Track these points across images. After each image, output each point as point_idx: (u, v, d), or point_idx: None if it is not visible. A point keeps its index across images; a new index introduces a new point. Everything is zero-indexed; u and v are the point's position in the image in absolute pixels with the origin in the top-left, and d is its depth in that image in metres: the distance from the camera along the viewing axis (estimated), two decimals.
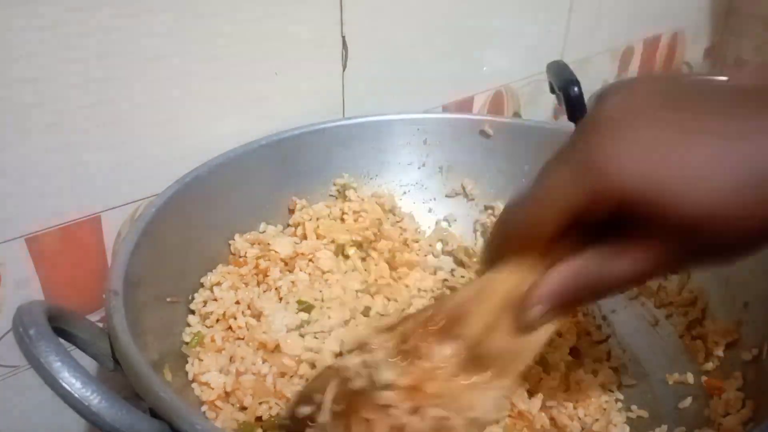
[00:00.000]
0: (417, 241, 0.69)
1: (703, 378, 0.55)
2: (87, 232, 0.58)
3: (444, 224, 0.72)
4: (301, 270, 0.60)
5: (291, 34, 0.64)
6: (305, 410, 0.39)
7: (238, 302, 0.55)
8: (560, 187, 0.33)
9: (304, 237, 0.64)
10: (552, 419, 0.51)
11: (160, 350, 0.47)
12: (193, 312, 0.55)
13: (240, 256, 0.60)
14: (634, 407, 0.55)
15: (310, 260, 0.61)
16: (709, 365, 0.55)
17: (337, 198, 0.69)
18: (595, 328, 0.62)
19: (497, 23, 0.84)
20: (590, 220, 0.33)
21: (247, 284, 0.58)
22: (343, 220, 0.66)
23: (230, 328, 0.54)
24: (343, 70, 0.70)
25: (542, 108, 0.96)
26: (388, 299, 0.61)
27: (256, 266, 0.59)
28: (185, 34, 0.57)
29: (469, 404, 0.36)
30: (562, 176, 0.33)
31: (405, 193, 0.73)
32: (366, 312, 0.58)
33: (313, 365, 0.51)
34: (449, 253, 0.70)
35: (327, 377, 0.40)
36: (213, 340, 0.52)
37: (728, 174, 0.30)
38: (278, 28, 0.63)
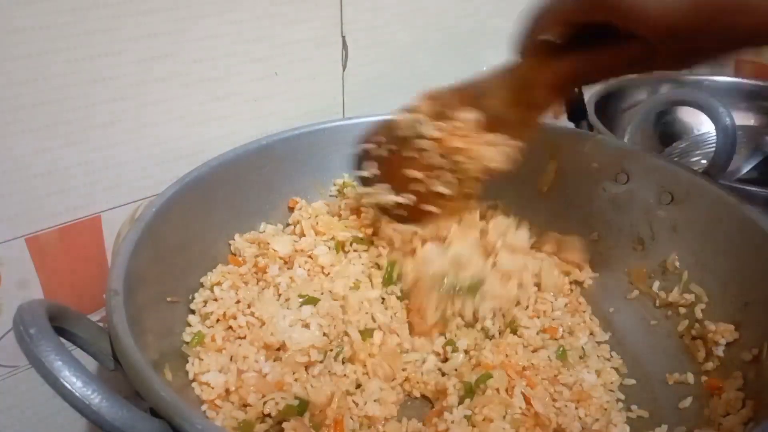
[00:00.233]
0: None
1: (703, 378, 0.54)
2: (87, 232, 0.58)
3: None
4: (300, 267, 0.60)
5: (291, 34, 0.64)
6: (367, 146, 0.56)
7: (238, 302, 0.55)
8: None
9: (303, 234, 0.63)
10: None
11: (161, 350, 0.47)
12: (193, 312, 0.55)
13: (239, 256, 0.60)
14: (634, 407, 0.55)
15: (309, 257, 0.61)
16: (709, 365, 0.55)
17: (336, 197, 0.69)
18: (596, 328, 0.62)
19: (497, 23, 0.84)
20: (587, 27, 0.42)
21: (247, 283, 0.58)
22: (340, 216, 0.66)
23: (231, 327, 0.54)
24: (343, 70, 0.70)
25: None
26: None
27: (255, 264, 0.59)
28: (185, 34, 0.57)
29: (484, 155, 0.50)
30: None
31: None
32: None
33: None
34: None
35: (383, 126, 0.56)
36: (213, 340, 0.52)
37: None
38: (278, 28, 0.63)
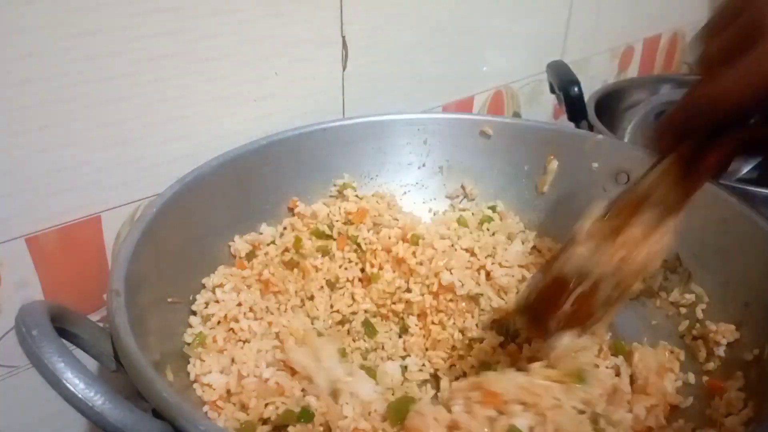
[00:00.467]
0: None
1: (705, 378, 0.54)
2: (87, 232, 0.58)
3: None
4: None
5: (291, 34, 0.64)
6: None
7: (239, 304, 0.55)
8: (733, 87, 0.38)
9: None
10: None
11: (162, 350, 0.47)
12: (194, 313, 0.55)
13: (241, 257, 0.60)
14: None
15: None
16: (711, 365, 0.55)
17: (336, 198, 0.69)
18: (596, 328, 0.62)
19: (497, 23, 0.84)
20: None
21: (249, 287, 0.58)
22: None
23: (232, 330, 0.54)
24: (343, 70, 0.70)
25: (542, 108, 0.96)
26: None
27: (259, 275, 0.59)
28: (185, 34, 0.57)
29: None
30: (731, 75, 0.38)
31: (405, 193, 0.73)
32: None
33: None
34: None
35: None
36: (215, 341, 0.52)
37: None
38: (278, 28, 0.63)
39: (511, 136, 0.71)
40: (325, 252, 0.64)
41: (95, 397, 0.33)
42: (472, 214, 0.71)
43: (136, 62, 0.55)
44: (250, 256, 0.62)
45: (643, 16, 1.09)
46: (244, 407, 0.49)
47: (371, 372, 0.55)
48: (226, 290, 0.56)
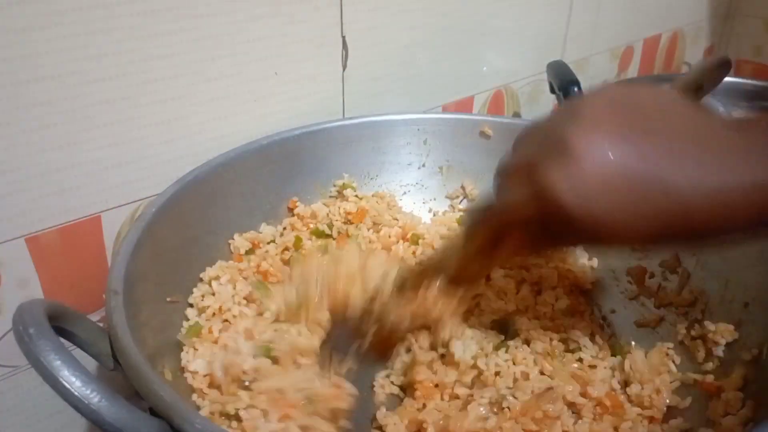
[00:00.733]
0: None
1: (703, 378, 0.54)
2: (87, 232, 0.58)
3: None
4: None
5: (291, 34, 0.64)
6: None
7: (234, 295, 0.56)
8: (518, 205, 0.44)
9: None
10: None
11: (160, 350, 0.47)
12: (191, 305, 0.55)
13: (240, 254, 0.60)
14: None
15: None
16: (709, 365, 0.55)
17: (336, 198, 0.69)
18: (597, 328, 0.62)
19: (497, 23, 0.84)
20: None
21: (246, 278, 0.58)
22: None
23: (227, 321, 0.54)
24: (343, 70, 0.71)
25: (542, 108, 0.96)
26: None
27: (258, 266, 0.59)
28: (185, 35, 0.57)
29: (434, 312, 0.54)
30: (520, 194, 0.43)
31: (405, 193, 0.73)
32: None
33: None
34: None
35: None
36: (210, 332, 0.52)
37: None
38: (278, 28, 0.63)
39: (511, 136, 0.70)
40: (324, 251, 0.64)
41: (92, 396, 0.33)
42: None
43: (136, 62, 0.55)
44: (249, 253, 0.62)
45: (643, 16, 1.09)
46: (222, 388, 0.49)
47: None
48: (222, 282, 0.56)
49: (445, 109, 0.83)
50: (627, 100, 0.41)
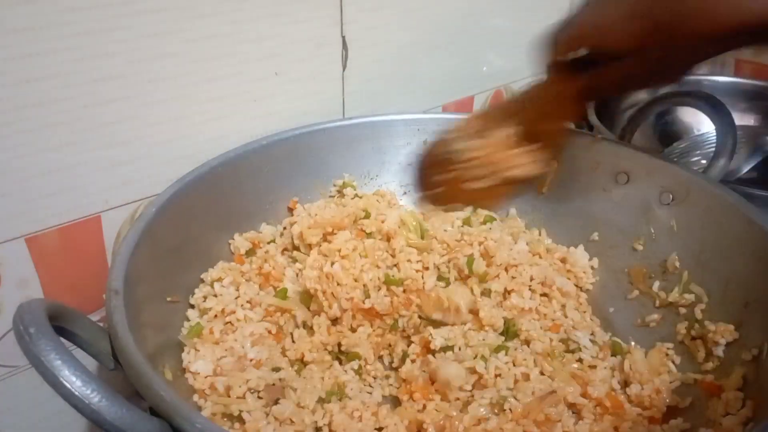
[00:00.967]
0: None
1: (703, 378, 0.54)
2: (87, 232, 0.58)
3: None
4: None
5: (291, 34, 0.64)
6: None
7: (238, 297, 0.56)
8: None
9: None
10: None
11: (160, 350, 0.47)
12: (192, 306, 0.55)
13: (240, 254, 0.60)
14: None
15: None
16: (709, 365, 0.55)
17: (336, 197, 0.69)
18: (597, 328, 0.62)
19: (497, 23, 0.84)
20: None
21: (248, 280, 0.58)
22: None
23: (230, 323, 0.54)
24: (343, 70, 0.70)
25: None
26: None
27: (260, 268, 0.59)
28: (185, 34, 0.57)
29: (512, 164, 0.54)
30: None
31: (405, 193, 0.73)
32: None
33: None
34: None
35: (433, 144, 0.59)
36: (211, 332, 0.52)
37: None
38: (278, 28, 0.63)
39: None
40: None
41: (92, 395, 0.33)
42: (473, 214, 0.71)
43: (136, 62, 0.55)
44: (250, 254, 0.62)
45: None
46: (228, 391, 0.49)
47: None
48: (224, 284, 0.56)
49: (445, 109, 0.83)
50: None
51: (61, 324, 0.39)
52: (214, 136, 0.62)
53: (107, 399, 0.33)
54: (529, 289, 0.63)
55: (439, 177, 0.56)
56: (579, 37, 0.49)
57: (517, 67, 0.90)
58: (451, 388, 0.53)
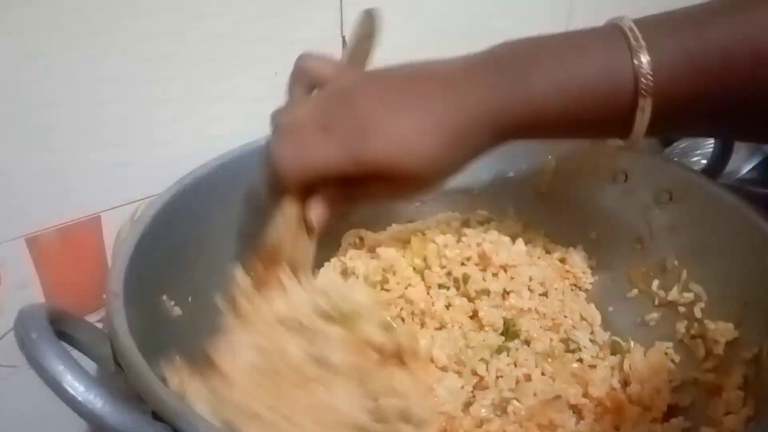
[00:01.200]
0: None
1: (703, 377, 0.55)
2: (87, 232, 0.58)
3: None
4: None
5: (291, 34, 0.64)
6: None
7: None
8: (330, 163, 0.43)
9: None
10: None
11: (162, 353, 0.47)
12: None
13: None
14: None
15: None
16: (709, 364, 0.55)
17: None
18: (596, 327, 0.62)
19: (497, 23, 0.84)
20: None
21: None
22: None
23: None
24: None
25: None
26: None
27: None
28: (185, 34, 0.57)
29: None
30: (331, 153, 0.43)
31: None
32: None
33: None
34: None
35: None
36: None
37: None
38: (278, 28, 0.63)
39: None
40: None
41: (95, 400, 0.33)
42: (472, 214, 0.71)
43: (136, 62, 0.55)
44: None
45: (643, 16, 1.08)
46: None
47: None
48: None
49: None
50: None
51: (62, 328, 0.39)
52: (214, 136, 0.62)
53: (110, 404, 0.33)
54: (528, 289, 0.63)
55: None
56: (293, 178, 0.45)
57: None
58: None
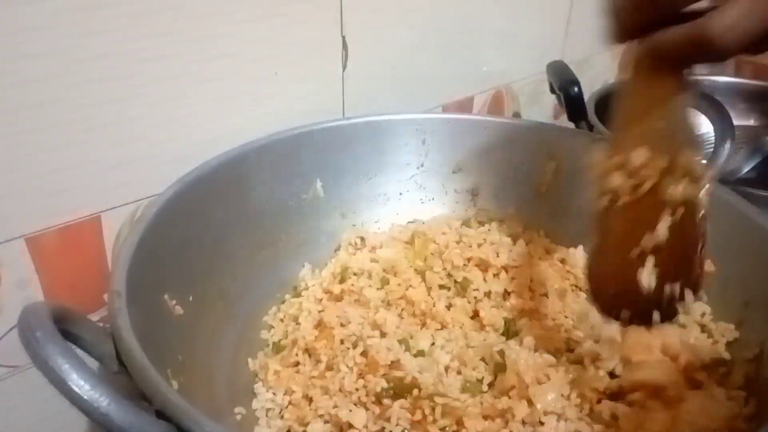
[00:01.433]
0: None
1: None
2: (87, 232, 0.58)
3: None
4: None
5: (291, 34, 0.64)
6: None
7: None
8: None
9: None
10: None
11: (165, 352, 0.47)
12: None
13: None
14: None
15: None
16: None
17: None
18: (598, 328, 0.62)
19: (497, 23, 0.84)
20: None
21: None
22: None
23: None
24: (343, 70, 0.70)
25: (542, 108, 0.96)
26: None
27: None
28: (185, 34, 0.57)
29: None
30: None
31: (402, 193, 0.73)
32: None
33: None
34: None
35: None
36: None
37: None
38: (278, 28, 0.63)
39: (510, 136, 0.71)
40: None
41: (101, 399, 0.33)
42: (473, 214, 0.71)
43: (136, 62, 0.55)
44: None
45: None
46: None
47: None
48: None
49: (445, 109, 0.83)
50: None
51: (65, 327, 0.39)
52: (214, 136, 0.62)
53: (115, 402, 0.33)
54: (529, 290, 0.63)
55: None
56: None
57: (517, 67, 0.90)
58: None
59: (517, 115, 0.94)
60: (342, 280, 0.64)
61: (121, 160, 0.57)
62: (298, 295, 0.64)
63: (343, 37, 0.69)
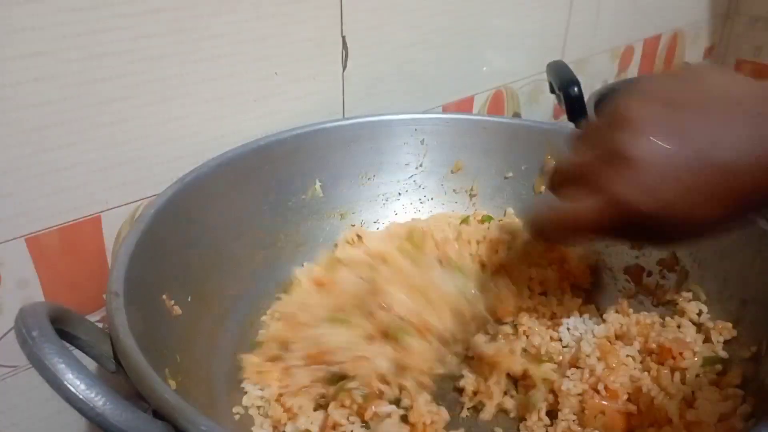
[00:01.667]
0: None
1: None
2: (87, 232, 0.58)
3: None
4: None
5: (291, 34, 0.64)
6: None
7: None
8: (590, 214, 0.40)
9: None
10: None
11: (162, 352, 0.47)
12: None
13: None
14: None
15: None
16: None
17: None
18: (597, 327, 0.62)
19: (497, 23, 0.84)
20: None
21: None
22: None
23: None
24: (343, 70, 0.70)
25: (542, 108, 0.96)
26: None
27: None
28: (185, 34, 0.57)
29: None
30: (589, 203, 0.40)
31: (401, 193, 0.73)
32: None
33: None
34: None
35: None
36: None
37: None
38: (278, 28, 0.63)
39: (510, 136, 0.71)
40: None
41: (96, 399, 0.33)
42: (473, 214, 0.71)
43: (136, 62, 0.55)
44: None
45: (643, 16, 1.09)
46: None
47: None
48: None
49: (445, 109, 0.83)
50: (662, 92, 0.40)
51: (63, 327, 0.39)
52: (214, 136, 0.62)
53: (111, 402, 0.33)
54: (528, 289, 0.64)
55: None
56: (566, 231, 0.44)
57: (517, 67, 0.90)
58: None
59: (517, 115, 0.94)
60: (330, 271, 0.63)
61: (121, 160, 0.57)
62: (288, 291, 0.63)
63: (343, 37, 0.69)
